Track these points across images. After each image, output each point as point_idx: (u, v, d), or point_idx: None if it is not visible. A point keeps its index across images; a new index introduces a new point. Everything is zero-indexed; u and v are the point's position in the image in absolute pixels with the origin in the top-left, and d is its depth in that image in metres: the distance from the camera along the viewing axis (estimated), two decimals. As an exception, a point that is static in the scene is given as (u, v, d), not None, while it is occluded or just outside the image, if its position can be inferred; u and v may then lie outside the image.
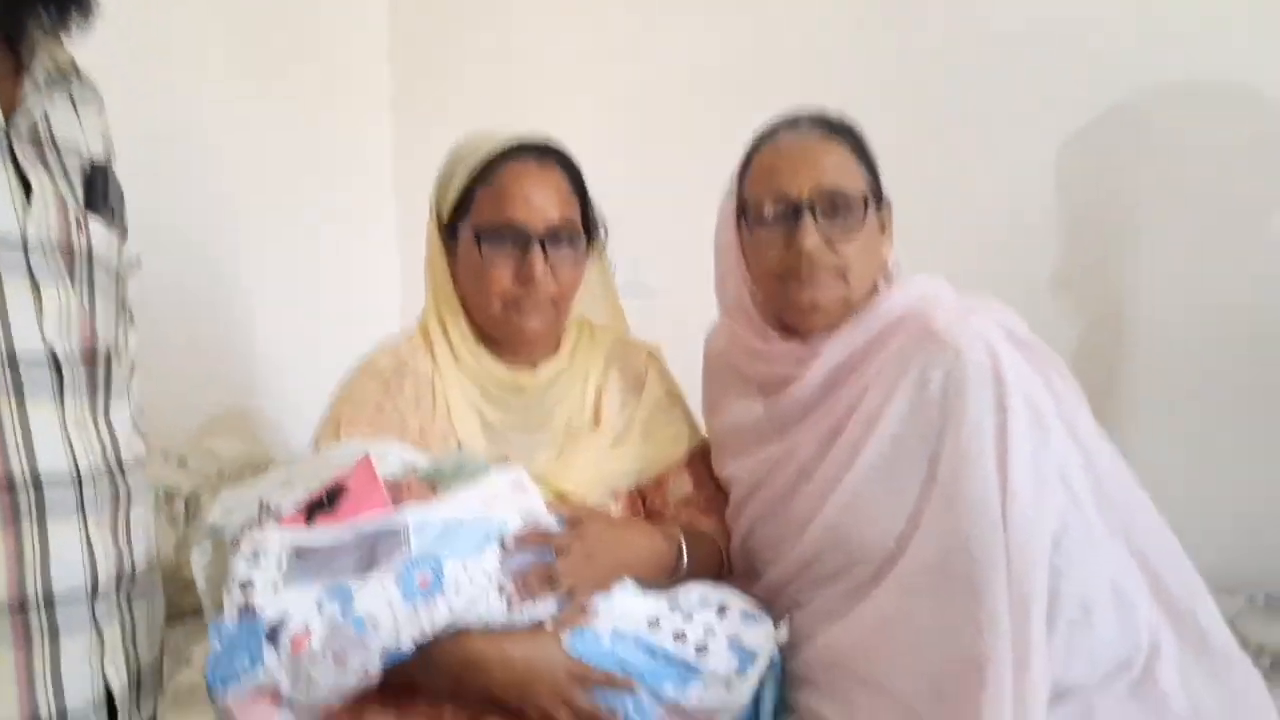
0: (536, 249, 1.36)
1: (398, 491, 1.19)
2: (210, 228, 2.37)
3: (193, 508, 2.01)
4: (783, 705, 1.28)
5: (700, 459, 1.51)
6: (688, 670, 1.21)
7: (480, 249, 1.37)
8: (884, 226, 1.34)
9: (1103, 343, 2.01)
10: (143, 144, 2.26)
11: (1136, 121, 1.99)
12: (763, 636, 1.25)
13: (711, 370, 1.51)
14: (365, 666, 1.09)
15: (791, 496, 1.32)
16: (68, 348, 1.06)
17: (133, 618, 1.15)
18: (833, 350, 1.28)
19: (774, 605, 1.35)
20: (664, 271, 2.09)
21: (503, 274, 1.38)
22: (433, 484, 1.23)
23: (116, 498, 1.12)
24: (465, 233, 1.40)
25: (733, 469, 1.42)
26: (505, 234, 1.37)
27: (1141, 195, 1.97)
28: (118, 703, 1.11)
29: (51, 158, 1.10)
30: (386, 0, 2.93)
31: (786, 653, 1.31)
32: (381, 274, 2.45)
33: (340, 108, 2.87)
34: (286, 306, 2.61)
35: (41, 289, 1.04)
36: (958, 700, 1.10)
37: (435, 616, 1.10)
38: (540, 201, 1.38)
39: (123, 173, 1.27)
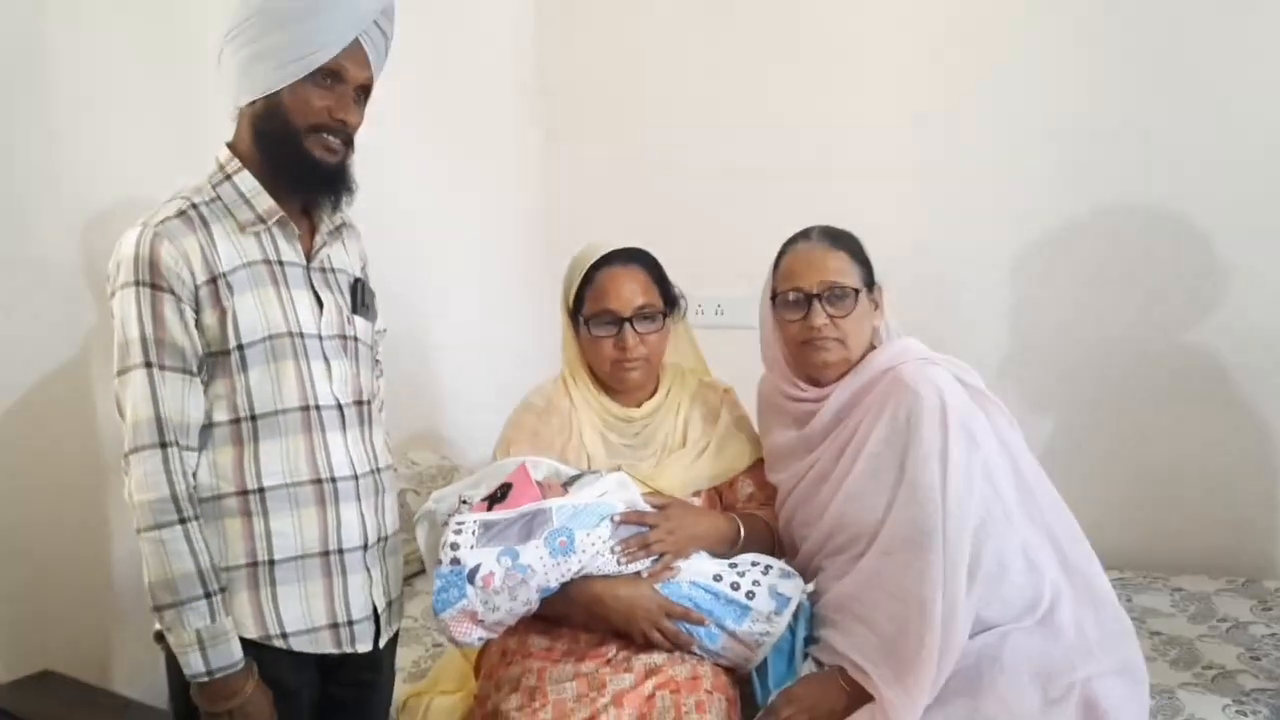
0: (628, 327, 1.89)
1: (544, 489, 1.77)
2: (411, 293, 2.96)
3: (401, 503, 2.62)
4: (811, 638, 1.81)
5: (760, 467, 2.04)
6: (741, 609, 1.73)
7: (590, 331, 1.93)
8: (876, 305, 1.85)
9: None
10: (373, 239, 2.85)
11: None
12: (794, 587, 1.78)
13: (761, 408, 2.04)
14: (528, 598, 1.67)
15: (815, 494, 1.84)
16: (346, 399, 1.63)
17: (386, 566, 1.71)
18: (838, 394, 1.80)
19: (806, 569, 1.88)
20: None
21: (607, 346, 1.91)
22: (567, 485, 1.83)
23: (378, 489, 1.69)
24: (581, 320, 1.94)
25: (777, 477, 1.96)
26: (605, 319, 1.90)
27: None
28: (380, 620, 1.68)
29: (332, 280, 1.65)
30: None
31: (813, 601, 1.84)
32: (540, 324, 2.98)
33: (508, 190, 3.49)
34: (465, 353, 3.25)
35: (331, 364, 1.61)
36: (910, 630, 1.60)
37: (570, 566, 1.68)
38: (627, 293, 1.89)
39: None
